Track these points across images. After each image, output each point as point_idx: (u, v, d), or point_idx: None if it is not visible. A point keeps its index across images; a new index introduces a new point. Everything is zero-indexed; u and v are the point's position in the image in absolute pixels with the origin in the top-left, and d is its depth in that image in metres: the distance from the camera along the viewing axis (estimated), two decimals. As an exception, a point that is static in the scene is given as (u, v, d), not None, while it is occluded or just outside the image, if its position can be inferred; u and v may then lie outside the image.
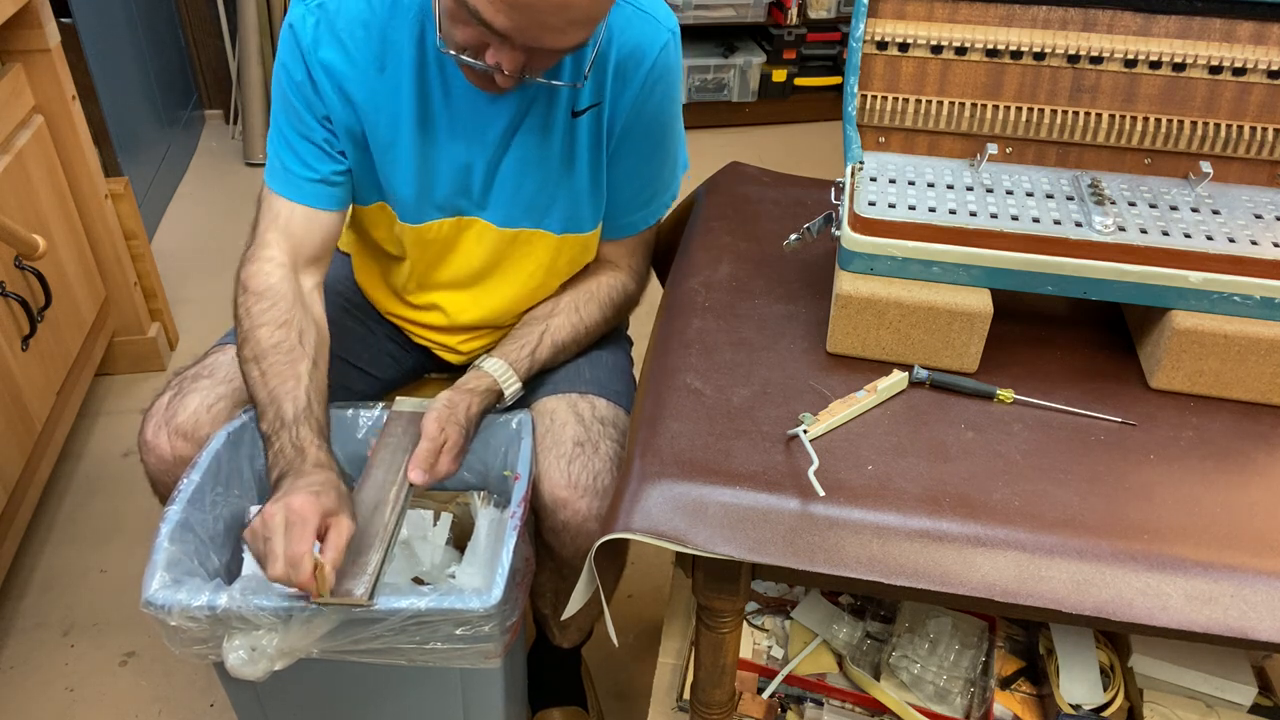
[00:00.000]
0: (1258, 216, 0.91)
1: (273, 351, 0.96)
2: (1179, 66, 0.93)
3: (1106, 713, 1.00)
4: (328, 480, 0.89)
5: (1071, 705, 1.00)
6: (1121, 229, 0.87)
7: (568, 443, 1.05)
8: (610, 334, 1.24)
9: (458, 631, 0.90)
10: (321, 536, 0.85)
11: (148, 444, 1.05)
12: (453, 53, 0.92)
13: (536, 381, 1.16)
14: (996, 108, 0.97)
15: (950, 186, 0.94)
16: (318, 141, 1.04)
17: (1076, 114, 0.96)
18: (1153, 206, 0.92)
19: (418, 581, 1.07)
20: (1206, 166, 0.94)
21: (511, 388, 1.08)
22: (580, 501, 1.02)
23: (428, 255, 1.14)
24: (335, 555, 0.84)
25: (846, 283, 0.90)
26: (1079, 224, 0.89)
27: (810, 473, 0.77)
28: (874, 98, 0.99)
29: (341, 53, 1.00)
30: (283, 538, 0.82)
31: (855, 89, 0.98)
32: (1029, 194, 0.93)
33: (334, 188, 1.07)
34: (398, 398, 1.12)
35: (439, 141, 1.05)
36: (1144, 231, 0.87)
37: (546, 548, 1.09)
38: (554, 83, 0.98)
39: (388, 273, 1.22)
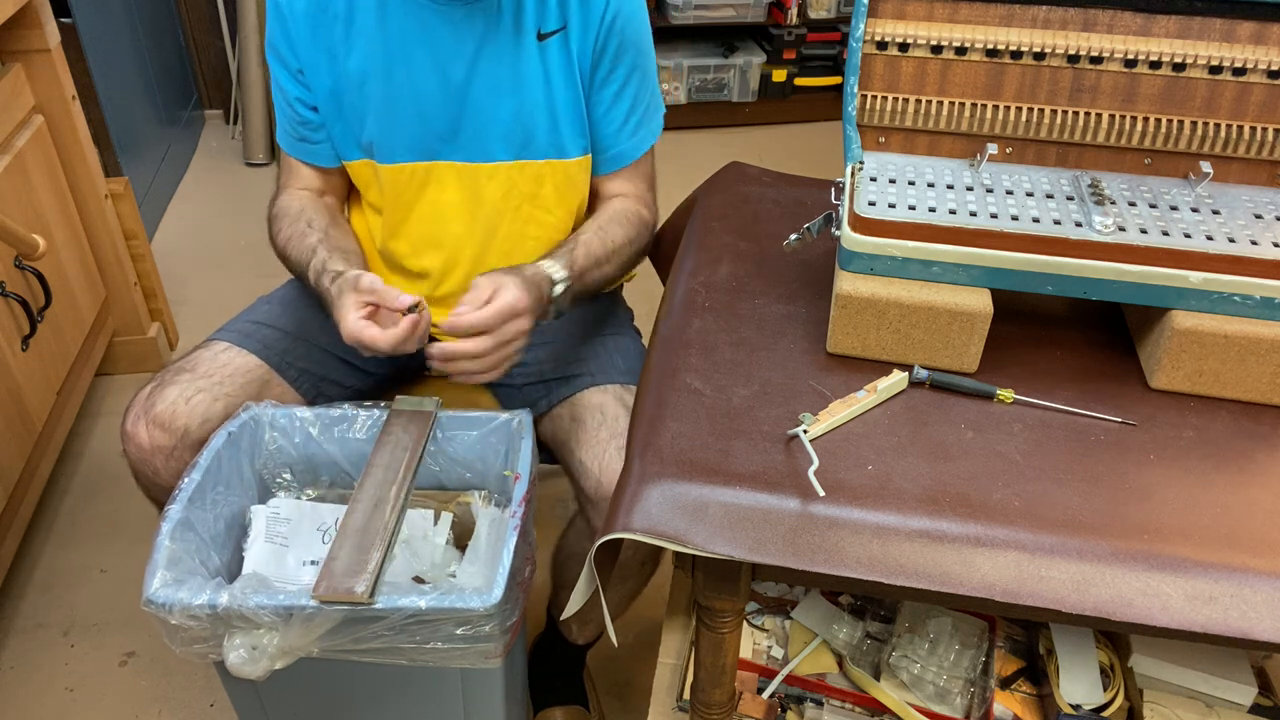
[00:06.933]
0: (1258, 216, 0.91)
1: (290, 241, 1.18)
2: (1179, 66, 0.93)
3: (1106, 713, 1.00)
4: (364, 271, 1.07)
5: (1071, 705, 1.00)
6: (1121, 229, 0.87)
7: (624, 434, 1.05)
8: (623, 322, 1.27)
9: (458, 631, 0.90)
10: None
11: (127, 434, 1.07)
12: None
13: (573, 374, 1.17)
14: (996, 108, 0.97)
15: (950, 186, 0.94)
16: (294, 98, 1.15)
17: (1076, 114, 0.96)
18: (1153, 206, 0.92)
19: (418, 581, 1.07)
20: (1206, 166, 0.94)
21: (559, 274, 1.07)
22: None
23: (405, 197, 1.17)
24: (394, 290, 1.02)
25: (846, 283, 0.90)
26: (1079, 224, 0.89)
27: (810, 473, 0.77)
28: (874, 98, 0.99)
29: (311, 2, 1.09)
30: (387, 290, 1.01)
31: (855, 89, 0.98)
32: (1029, 194, 0.93)
33: (314, 145, 1.19)
34: (398, 396, 1.12)
35: (402, 76, 1.10)
36: (1144, 231, 0.87)
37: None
38: None
39: (382, 242, 1.23)
